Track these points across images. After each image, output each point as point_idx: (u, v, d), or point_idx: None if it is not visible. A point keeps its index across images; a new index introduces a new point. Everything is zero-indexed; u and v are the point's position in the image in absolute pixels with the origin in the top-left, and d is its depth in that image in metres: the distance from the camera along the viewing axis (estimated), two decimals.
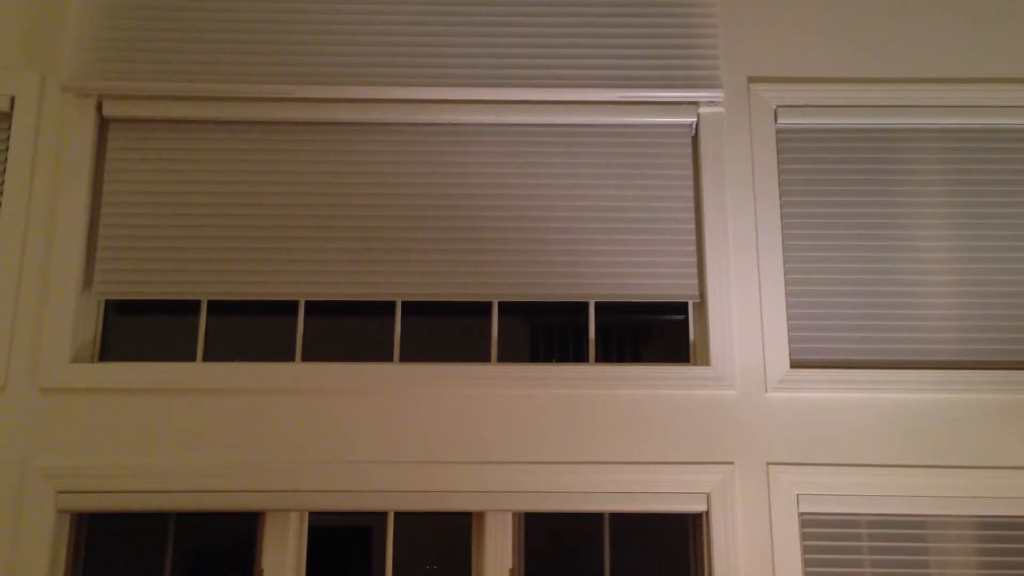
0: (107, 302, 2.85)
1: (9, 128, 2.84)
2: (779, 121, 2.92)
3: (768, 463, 2.69)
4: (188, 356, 2.82)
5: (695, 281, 2.82)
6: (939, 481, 2.67)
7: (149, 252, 2.79)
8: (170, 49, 2.85)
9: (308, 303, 2.87)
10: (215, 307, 2.86)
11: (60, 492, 2.61)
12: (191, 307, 2.86)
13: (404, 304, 2.88)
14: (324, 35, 2.89)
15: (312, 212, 2.83)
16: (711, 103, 2.91)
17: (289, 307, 2.87)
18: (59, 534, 2.63)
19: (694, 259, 2.83)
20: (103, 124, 2.88)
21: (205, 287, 2.78)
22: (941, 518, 2.69)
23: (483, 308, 2.88)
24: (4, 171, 2.82)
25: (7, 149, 2.83)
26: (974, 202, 2.89)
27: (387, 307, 2.88)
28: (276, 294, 2.79)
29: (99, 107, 2.86)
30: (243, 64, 2.85)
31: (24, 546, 2.57)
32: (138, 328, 2.85)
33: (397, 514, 2.77)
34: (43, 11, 2.93)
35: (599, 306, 2.89)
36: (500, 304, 2.88)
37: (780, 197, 2.88)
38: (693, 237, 2.84)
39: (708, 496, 2.66)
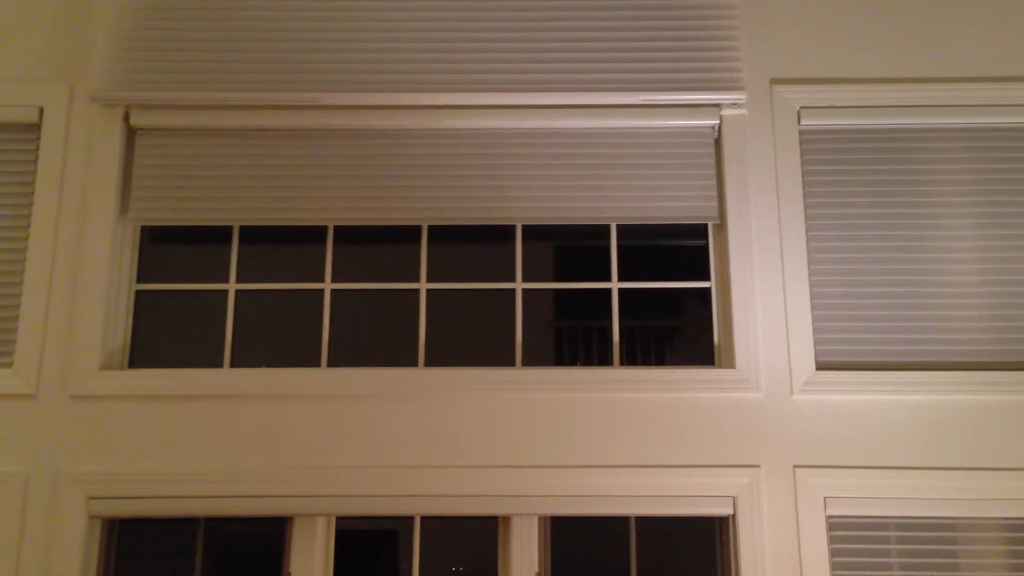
0: (136, 308, 2.88)
1: (39, 139, 2.88)
2: (802, 122, 2.91)
3: (795, 466, 2.68)
4: (217, 343, 2.86)
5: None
6: (968, 483, 2.65)
7: (183, 181, 2.88)
8: (196, 59, 2.88)
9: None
10: (242, 300, 2.89)
11: (91, 498, 2.65)
12: (220, 305, 2.89)
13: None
14: (349, 43, 2.90)
15: (340, 146, 2.88)
16: (734, 105, 2.90)
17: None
18: (91, 539, 2.66)
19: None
20: (130, 133, 2.92)
21: (237, 214, 2.84)
22: (970, 520, 2.67)
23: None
24: (34, 181, 2.86)
25: (36, 159, 2.87)
26: (999, 201, 2.87)
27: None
28: (306, 219, 2.84)
29: (126, 117, 2.89)
30: (269, 72, 2.88)
31: (57, 551, 2.60)
32: (167, 326, 2.88)
33: (423, 518, 2.78)
34: (71, 23, 2.97)
35: (626, 310, 2.89)
36: (523, 311, 2.89)
37: (804, 199, 2.86)
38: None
39: (734, 499, 2.65)
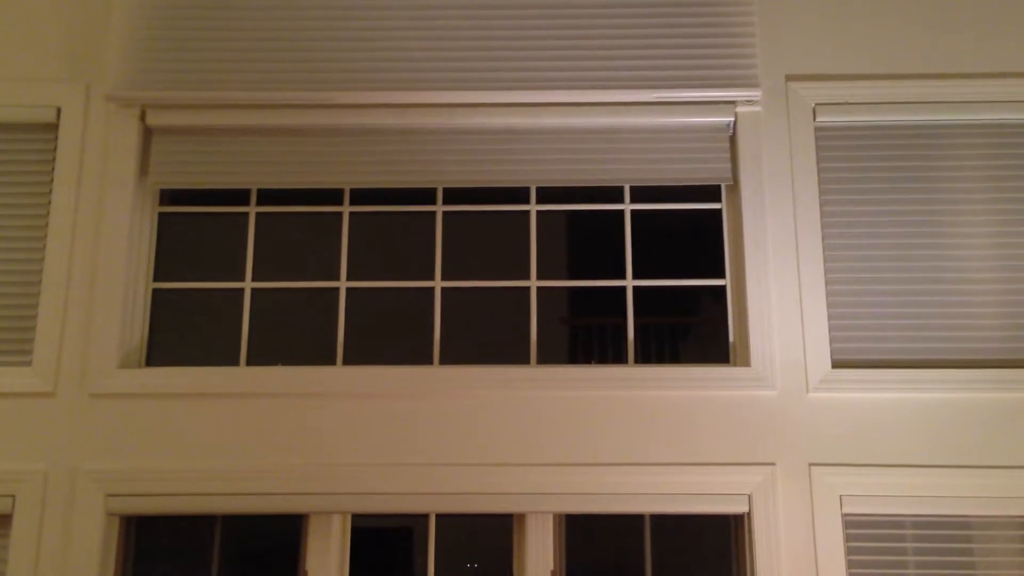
0: (152, 306, 2.90)
1: (56, 138, 2.90)
2: (818, 119, 2.90)
3: (810, 464, 2.67)
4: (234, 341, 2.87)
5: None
6: (984, 481, 2.64)
7: (202, 144, 2.92)
8: (211, 58, 2.89)
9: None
10: (257, 300, 2.91)
11: (109, 496, 2.67)
12: (236, 303, 2.90)
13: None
14: (363, 41, 2.91)
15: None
16: (749, 102, 2.89)
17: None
18: (108, 536, 2.68)
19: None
20: (147, 133, 2.93)
21: (254, 177, 2.88)
22: (986, 518, 2.66)
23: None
24: (52, 180, 2.87)
25: (54, 159, 2.89)
26: (1017, 198, 2.85)
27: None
28: (323, 182, 2.86)
29: (142, 116, 2.91)
30: (284, 71, 2.88)
31: (75, 549, 2.62)
32: (184, 324, 2.90)
33: (439, 515, 2.79)
34: (87, 23, 2.98)
35: (641, 307, 2.89)
36: (537, 307, 2.89)
37: (819, 196, 2.85)
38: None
39: (749, 497, 2.65)
